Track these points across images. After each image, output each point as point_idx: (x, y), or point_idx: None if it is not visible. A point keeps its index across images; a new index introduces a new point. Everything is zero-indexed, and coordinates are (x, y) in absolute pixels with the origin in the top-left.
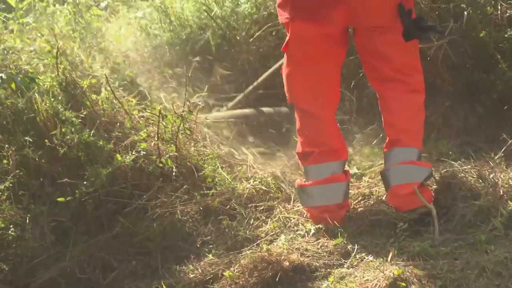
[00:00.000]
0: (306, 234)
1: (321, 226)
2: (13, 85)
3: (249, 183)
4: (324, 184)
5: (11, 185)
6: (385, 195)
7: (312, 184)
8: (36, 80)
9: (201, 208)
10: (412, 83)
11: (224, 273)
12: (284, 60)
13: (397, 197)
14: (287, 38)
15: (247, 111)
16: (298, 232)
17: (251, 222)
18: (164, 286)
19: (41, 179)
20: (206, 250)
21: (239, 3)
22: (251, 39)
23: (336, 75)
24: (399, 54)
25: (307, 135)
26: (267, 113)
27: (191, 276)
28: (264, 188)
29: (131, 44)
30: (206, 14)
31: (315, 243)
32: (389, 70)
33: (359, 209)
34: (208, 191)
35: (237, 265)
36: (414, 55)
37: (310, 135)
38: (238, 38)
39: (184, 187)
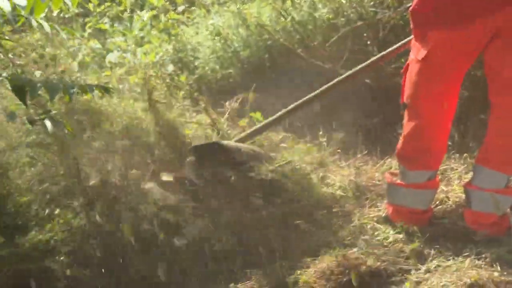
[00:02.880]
0: (383, 239)
1: (398, 231)
2: (67, 98)
3: (327, 188)
4: (419, 189)
5: None
6: (462, 199)
7: (408, 185)
8: (110, 91)
9: (278, 213)
10: None
11: (300, 278)
12: (412, 66)
13: (478, 224)
14: (427, 48)
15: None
16: (374, 237)
17: (328, 227)
18: None
19: None
20: (283, 254)
21: (317, 8)
22: (327, 44)
23: (460, 85)
24: None
25: (416, 142)
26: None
27: (268, 280)
28: (341, 193)
29: (209, 50)
30: (283, 19)
31: (391, 248)
32: None
33: (435, 214)
34: (286, 196)
35: (314, 270)
36: None
37: (419, 142)
38: (315, 43)
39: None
